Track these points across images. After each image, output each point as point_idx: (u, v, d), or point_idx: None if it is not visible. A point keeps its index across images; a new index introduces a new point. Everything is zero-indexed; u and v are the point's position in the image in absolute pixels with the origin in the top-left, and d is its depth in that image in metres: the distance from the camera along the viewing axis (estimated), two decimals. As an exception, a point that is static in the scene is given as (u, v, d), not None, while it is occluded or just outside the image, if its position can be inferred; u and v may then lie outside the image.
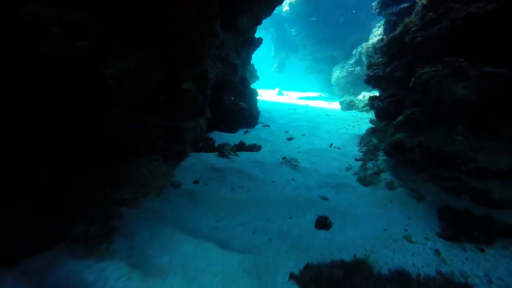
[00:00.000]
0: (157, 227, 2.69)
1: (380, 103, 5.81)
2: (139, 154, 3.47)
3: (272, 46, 22.75)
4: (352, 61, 16.58)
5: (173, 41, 2.29)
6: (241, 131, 8.18)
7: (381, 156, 4.51)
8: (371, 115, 11.91)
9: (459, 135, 3.50)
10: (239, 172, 4.27)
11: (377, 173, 3.99)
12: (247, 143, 6.24)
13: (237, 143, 6.02)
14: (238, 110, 7.71)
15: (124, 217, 2.81)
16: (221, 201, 3.37)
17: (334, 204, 3.45)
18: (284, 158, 4.97)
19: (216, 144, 6.18)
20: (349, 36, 17.98)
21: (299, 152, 5.63)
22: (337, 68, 17.31)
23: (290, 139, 6.94)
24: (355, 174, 4.28)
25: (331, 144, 6.13)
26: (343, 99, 13.64)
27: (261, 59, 38.00)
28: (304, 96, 22.90)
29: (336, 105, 15.52)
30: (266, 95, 22.43)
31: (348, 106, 13.15)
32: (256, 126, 9.17)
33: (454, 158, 3.45)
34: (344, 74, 16.56)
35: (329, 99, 19.82)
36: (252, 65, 12.55)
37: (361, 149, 5.77)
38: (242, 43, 8.65)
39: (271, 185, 3.99)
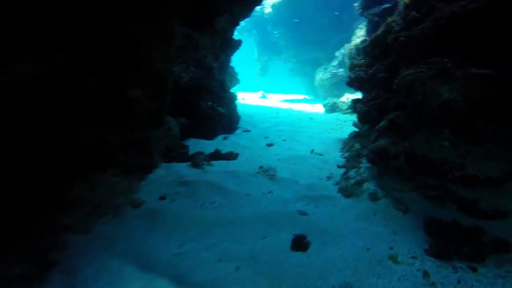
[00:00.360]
0: (105, 258, 2.31)
1: (363, 106, 5.56)
2: (95, 169, 3.07)
3: (255, 48, 22.50)
4: (335, 63, 16.47)
5: (116, 42, 1.94)
6: (220, 137, 7.81)
7: (364, 164, 4.23)
8: (355, 117, 11.75)
9: (446, 140, 3.24)
10: (211, 185, 3.91)
11: (360, 183, 3.70)
12: (224, 151, 5.88)
13: (212, 151, 5.65)
14: (216, 115, 7.35)
15: (68, 247, 2.41)
16: (187, 221, 3.01)
17: (313, 220, 3.13)
18: (261, 167, 4.64)
19: (191, 152, 5.81)
20: (333, 37, 17.89)
21: (279, 159, 5.31)
22: (320, 70, 17.17)
23: (270, 145, 6.62)
24: (337, 184, 3.98)
25: (313, 150, 5.84)
26: (326, 101, 13.47)
27: (244, 61, 37.79)
28: (288, 99, 22.71)
29: (319, 108, 15.33)
30: (249, 98, 22.13)
31: (332, 108, 12.96)
32: (236, 132, 8.82)
33: (441, 165, 3.19)
34: (328, 76, 16.42)
35: (313, 101, 19.68)
36: (233, 68, 12.24)
37: (344, 155, 5.50)
38: (220, 45, 8.31)
39: (245, 199, 3.64)
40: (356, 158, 4.59)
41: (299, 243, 2.74)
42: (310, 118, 11.27)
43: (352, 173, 4.06)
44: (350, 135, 6.49)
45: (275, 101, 21.15)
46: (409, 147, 3.44)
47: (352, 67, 6.69)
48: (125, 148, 3.68)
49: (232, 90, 19.74)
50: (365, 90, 6.03)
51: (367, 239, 2.84)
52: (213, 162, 5.16)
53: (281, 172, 4.54)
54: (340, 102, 13.20)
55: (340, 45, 16.81)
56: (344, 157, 5.34)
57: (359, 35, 13.31)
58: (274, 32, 19.59)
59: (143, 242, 2.64)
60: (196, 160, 4.89)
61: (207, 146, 6.43)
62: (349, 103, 12.66)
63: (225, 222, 3.03)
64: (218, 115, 7.45)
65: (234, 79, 12.17)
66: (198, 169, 4.73)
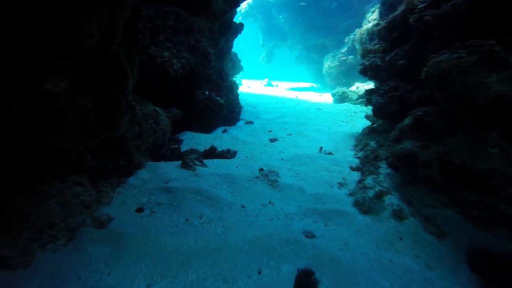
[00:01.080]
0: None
1: (379, 98, 4.82)
2: (48, 179, 2.43)
3: (260, 34, 21.55)
4: (344, 49, 15.54)
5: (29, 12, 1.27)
6: (219, 130, 7.16)
7: (383, 169, 3.54)
8: (367, 109, 10.97)
9: (494, 147, 2.54)
10: (200, 194, 3.26)
11: (380, 196, 3.02)
12: (221, 147, 5.23)
13: (207, 148, 4.99)
14: (214, 106, 6.66)
15: (-6, 292, 1.80)
16: (162, 246, 2.37)
17: (323, 246, 2.47)
18: (261, 170, 3.97)
19: (185, 149, 5.16)
20: (341, 22, 16.90)
21: (282, 159, 4.63)
22: (328, 57, 16.26)
23: (273, 140, 5.94)
24: (351, 194, 3.30)
25: (321, 148, 5.14)
26: (335, 90, 12.66)
27: (250, 48, 36.73)
28: (295, 87, 21.86)
29: (327, 97, 14.53)
30: (254, 86, 21.34)
31: (341, 98, 12.17)
32: (237, 123, 8.15)
33: (488, 179, 2.49)
34: (336, 63, 15.53)
35: (321, 90, 18.82)
36: (235, 54, 11.47)
37: (357, 154, 4.80)
38: (219, 29, 7.55)
39: (239, 213, 2.99)
40: (373, 161, 3.90)
41: (305, 283, 2.09)
42: (317, 109, 10.52)
43: (369, 180, 3.37)
44: (363, 130, 5.77)
45: (281, 89, 20.33)
46: (445, 153, 2.73)
47: (365, 54, 5.91)
48: (97, 148, 3.03)
49: (236, 77, 18.98)
50: (381, 80, 5.28)
51: (393, 277, 2.18)
52: (207, 162, 4.51)
53: (285, 176, 3.88)
54: (350, 91, 12.39)
55: (349, 30, 15.83)
56: (358, 157, 4.65)
57: (371, 19, 12.36)
58: (280, 16, 18.60)
59: (99, 279, 2.02)
60: (187, 160, 4.24)
61: (203, 140, 5.78)
62: (359, 93, 11.86)
63: (211, 249, 2.39)
64: (217, 106, 6.76)
65: (236, 67, 11.41)
66: (189, 170, 4.08)
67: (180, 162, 4.33)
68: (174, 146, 4.99)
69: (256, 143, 5.68)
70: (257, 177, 3.75)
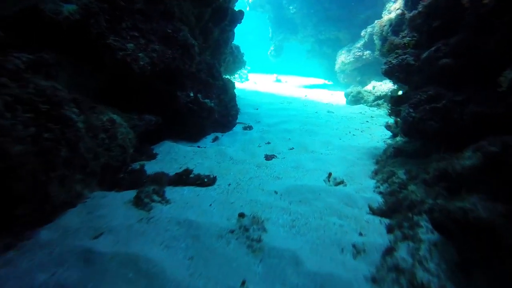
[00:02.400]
0: None
1: (411, 110, 3.53)
2: None
3: (269, 26, 20.14)
4: (360, 43, 14.07)
5: None
6: (209, 138, 5.98)
7: (424, 231, 2.26)
8: (384, 112, 9.61)
9: None
10: (134, 267, 2.08)
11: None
12: (201, 167, 4.05)
13: (181, 171, 3.80)
14: (202, 110, 5.46)
15: None
16: None
17: None
18: (242, 216, 2.75)
19: (157, 167, 4.01)
20: (358, 14, 15.39)
21: (276, 192, 3.41)
22: (343, 52, 14.81)
23: (270, 157, 4.71)
24: (374, 279, 2.06)
25: (330, 175, 3.88)
26: (349, 90, 11.29)
27: (259, 41, 35.24)
28: (305, 84, 20.47)
29: (340, 96, 13.15)
30: (262, 82, 20.04)
31: (355, 99, 10.80)
32: (233, 129, 6.94)
33: None
34: (351, 59, 14.09)
35: (333, 87, 17.41)
36: (237, 47, 10.22)
37: (379, 186, 3.54)
38: (212, 17, 6.31)
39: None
40: (407, 212, 2.63)
41: None
42: (328, 112, 9.20)
43: (403, 253, 2.11)
44: (386, 150, 4.47)
45: (290, 86, 18.98)
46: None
47: (391, 49, 4.59)
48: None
49: (238, 73, 17.70)
50: (414, 84, 3.97)
51: None
52: (174, 193, 3.33)
53: (274, 226, 2.66)
54: (366, 92, 11.01)
55: (367, 23, 14.33)
56: (380, 192, 3.39)
57: (393, 8, 10.85)
58: (290, 7, 17.15)
59: None
60: (142, 195, 3.06)
61: (181, 156, 4.62)
62: (376, 94, 10.50)
63: None
64: (205, 110, 5.56)
65: (238, 61, 10.16)
66: (142, 210, 2.91)
67: (135, 193, 3.17)
68: (135, 167, 3.81)
69: (247, 162, 4.46)
70: (232, 231, 2.54)
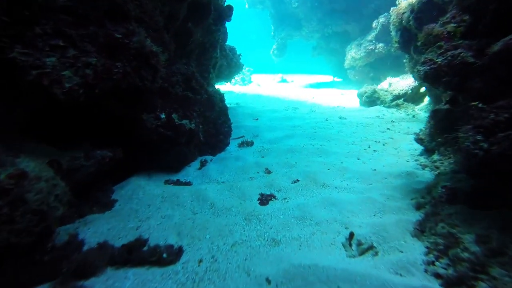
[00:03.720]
0: None
1: (479, 138, 2.20)
2: None
3: (270, 24, 18.79)
4: (371, 36, 12.63)
5: None
6: (194, 165, 4.80)
7: None
8: (405, 113, 8.22)
9: None
10: None
11: None
12: (157, 236, 2.83)
13: (129, 243, 2.57)
14: (179, 134, 4.25)
15: None
16: None
17: None
18: None
19: (102, 230, 2.82)
20: (367, 3, 13.91)
21: (268, 283, 2.14)
22: (352, 46, 13.38)
23: (266, 200, 3.44)
24: None
25: (352, 236, 2.58)
26: (362, 90, 9.89)
27: (261, 40, 33.83)
28: (312, 83, 19.10)
29: (352, 96, 11.77)
30: (265, 84, 18.76)
31: (370, 100, 9.41)
32: (227, 148, 5.72)
33: None
34: (362, 54, 12.66)
35: (343, 85, 15.99)
36: (232, 48, 8.99)
37: (432, 261, 2.23)
38: (191, 15, 5.09)
39: None
40: None
41: None
42: (340, 118, 7.86)
43: None
44: (430, 188, 3.12)
45: (296, 86, 17.64)
46: None
47: (428, 41, 3.24)
48: None
49: (241, 75, 16.44)
50: (474, 93, 2.63)
51: None
52: (111, 283, 2.12)
53: None
54: (382, 90, 9.60)
55: (377, 13, 12.90)
56: (437, 274, 2.09)
57: (409, -6, 9.45)
58: (292, 1, 15.76)
59: None
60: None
61: (145, 203, 3.41)
62: (395, 92, 9.09)
63: None
64: (184, 134, 4.34)
65: (234, 65, 8.91)
66: None
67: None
68: (61, 239, 2.60)
69: (233, 211, 3.20)
70: None
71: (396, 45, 7.45)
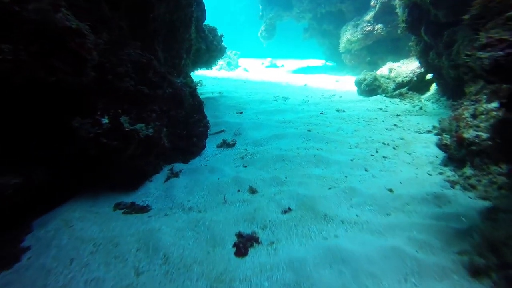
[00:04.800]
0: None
1: None
2: None
3: (258, 3, 17.34)
4: (369, 16, 11.45)
5: None
6: (158, 179, 3.73)
7: None
8: (410, 105, 7.21)
9: None
10: None
11: None
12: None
13: None
14: (130, 144, 3.14)
15: None
16: None
17: None
18: None
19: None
20: (364, -21, 12.64)
21: None
22: (348, 28, 12.19)
23: (244, 247, 2.39)
24: None
25: None
26: (361, 76, 8.81)
27: (250, 22, 32.09)
28: (304, 67, 17.93)
29: (348, 83, 10.71)
30: (254, 69, 17.50)
31: (370, 89, 8.35)
32: (203, 152, 4.67)
33: None
34: (359, 36, 11.50)
35: (337, 70, 14.89)
36: (213, 29, 7.78)
37: None
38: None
39: None
40: None
41: None
42: (337, 111, 6.82)
43: None
44: (491, 239, 2.10)
45: (287, 71, 16.47)
46: None
47: (486, 12, 2.17)
48: None
49: (226, 59, 15.15)
50: None
51: None
52: None
53: None
54: (383, 78, 8.53)
55: (375, -10, 11.69)
56: None
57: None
58: (282, -24, 14.37)
59: None
60: None
61: (65, 257, 2.33)
62: (398, 80, 8.04)
63: None
64: (137, 143, 3.23)
65: (215, 49, 7.70)
66: None
67: None
68: None
69: (194, 274, 2.14)
70: None
71: (403, 25, 6.35)
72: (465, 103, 4.37)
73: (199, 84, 9.83)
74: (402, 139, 4.89)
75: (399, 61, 9.76)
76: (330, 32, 14.46)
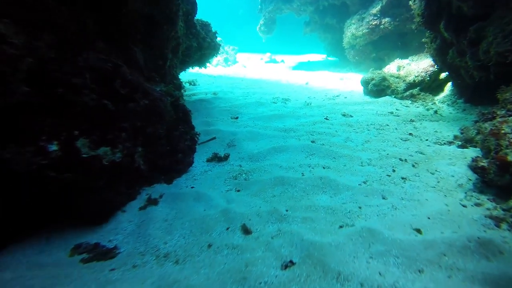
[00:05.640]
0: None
1: None
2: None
3: (258, -5, 16.51)
4: (376, 9, 10.68)
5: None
6: (132, 206, 3.12)
7: None
8: (423, 107, 6.52)
9: None
10: None
11: None
12: None
13: None
14: (87, 175, 2.47)
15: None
16: None
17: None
18: None
19: None
20: (370, -31, 11.84)
21: None
22: (353, 21, 11.43)
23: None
24: None
25: None
26: (368, 76, 8.10)
27: (249, 16, 31.15)
28: (304, 62, 17.18)
29: (352, 82, 10.00)
30: (252, 65, 16.76)
31: (379, 89, 7.64)
32: (191, 169, 4.03)
33: None
34: (364, 30, 10.74)
35: (339, 66, 14.15)
36: (206, 25, 7.09)
37: None
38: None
39: None
40: None
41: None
42: (344, 115, 6.13)
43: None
44: None
45: (286, 67, 15.73)
46: None
47: None
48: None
49: (223, 55, 14.40)
50: None
51: None
52: None
53: None
54: (392, 77, 7.81)
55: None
56: None
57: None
58: (282, -33, 13.54)
59: None
60: None
61: None
62: (409, 79, 7.34)
63: None
64: (98, 172, 2.56)
65: (208, 46, 7.00)
66: None
67: None
68: None
69: None
70: None
71: (419, 19, 5.63)
72: (499, 112, 3.69)
73: (192, 84, 9.13)
74: (421, 153, 4.21)
75: (407, 58, 9.06)
76: (333, 26, 13.68)
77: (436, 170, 3.68)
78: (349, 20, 11.66)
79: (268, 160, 4.15)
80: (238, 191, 3.42)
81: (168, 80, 5.09)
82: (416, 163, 3.91)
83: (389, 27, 10.20)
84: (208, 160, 4.29)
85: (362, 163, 3.95)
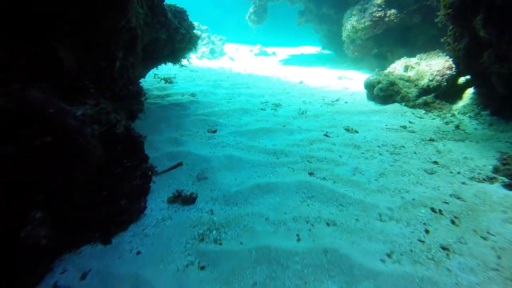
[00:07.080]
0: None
1: None
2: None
3: (248, -20, 15.05)
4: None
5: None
6: None
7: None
8: (442, 122, 5.39)
9: None
10: None
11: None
12: None
13: None
14: None
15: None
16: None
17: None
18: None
19: None
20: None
21: None
22: (353, 12, 10.18)
23: None
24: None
25: None
26: (373, 78, 6.92)
27: (240, 3, 29.43)
28: (297, 55, 15.93)
29: (353, 82, 8.85)
30: (241, 58, 15.41)
31: (386, 94, 6.48)
32: (142, 217, 2.85)
33: None
34: (367, 23, 9.52)
35: (337, 61, 12.97)
36: (180, 12, 5.84)
37: None
38: None
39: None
40: None
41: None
42: (347, 131, 4.98)
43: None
44: None
45: (278, 62, 14.46)
46: None
47: None
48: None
49: (209, 45, 13.03)
50: None
51: None
52: None
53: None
54: (402, 80, 6.65)
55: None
56: None
57: None
58: None
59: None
60: None
61: None
62: (422, 84, 6.23)
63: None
64: None
65: (182, 39, 5.73)
66: None
67: None
68: None
69: None
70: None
71: (447, 11, 4.46)
72: None
73: (168, 81, 7.82)
74: (458, 197, 3.10)
75: (414, 56, 7.92)
76: (330, 17, 12.41)
77: (488, 233, 2.58)
78: (349, 10, 10.41)
79: (250, 205, 2.98)
80: (203, 268, 2.25)
81: (120, 86, 3.84)
82: (455, 217, 2.79)
83: (395, 20, 9.00)
84: (170, 201, 3.12)
85: (381, 215, 2.81)
